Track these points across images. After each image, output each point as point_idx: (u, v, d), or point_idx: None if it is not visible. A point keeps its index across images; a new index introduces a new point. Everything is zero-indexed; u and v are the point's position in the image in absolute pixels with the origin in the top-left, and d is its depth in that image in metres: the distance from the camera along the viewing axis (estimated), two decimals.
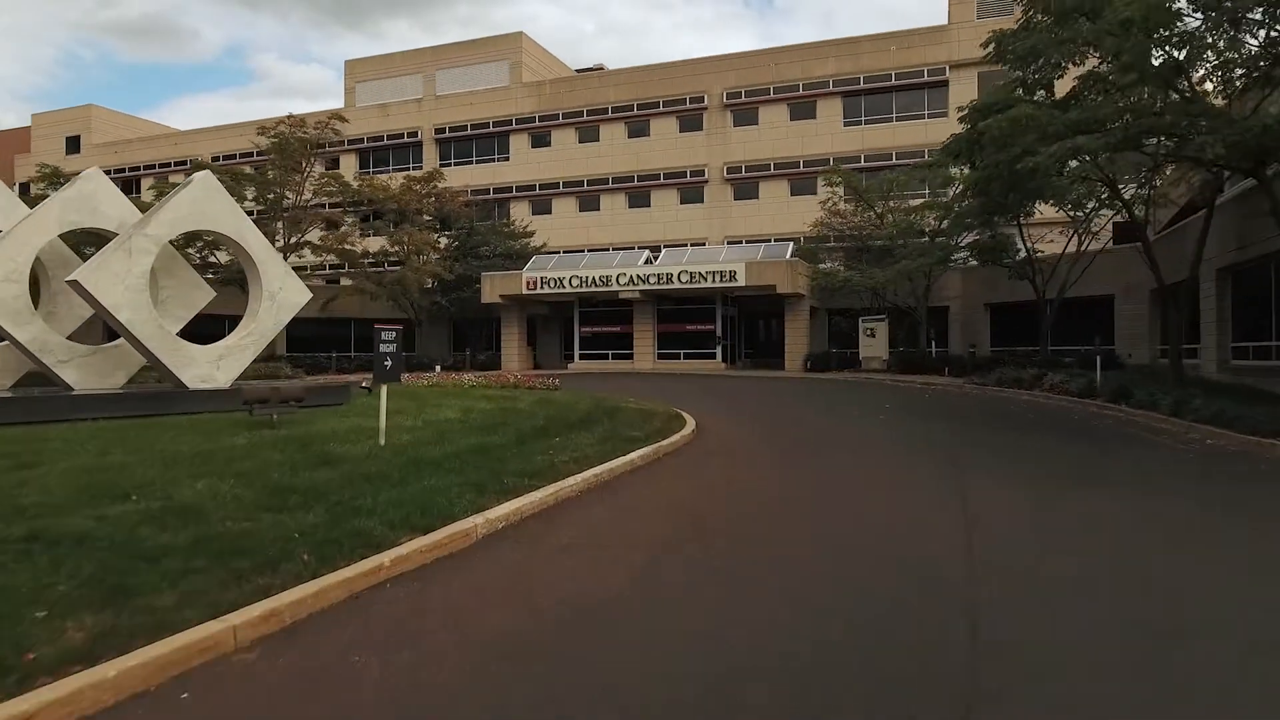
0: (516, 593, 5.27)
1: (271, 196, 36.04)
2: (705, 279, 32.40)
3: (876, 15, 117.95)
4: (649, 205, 43.68)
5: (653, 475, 9.62)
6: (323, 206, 39.49)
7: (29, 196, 32.38)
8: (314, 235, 37.61)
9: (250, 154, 43.53)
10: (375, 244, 39.33)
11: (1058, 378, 20.27)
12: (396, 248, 38.35)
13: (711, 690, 3.82)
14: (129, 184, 51.21)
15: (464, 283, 37.93)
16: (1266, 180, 13.92)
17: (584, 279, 34.17)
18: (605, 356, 36.68)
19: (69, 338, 14.60)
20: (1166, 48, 13.47)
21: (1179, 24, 12.83)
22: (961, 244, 29.07)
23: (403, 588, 5.32)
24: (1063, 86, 16.14)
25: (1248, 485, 9.08)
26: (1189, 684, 3.91)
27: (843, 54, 40.23)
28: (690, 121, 42.89)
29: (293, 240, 36.36)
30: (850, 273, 32.02)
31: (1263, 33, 13.62)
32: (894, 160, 36.97)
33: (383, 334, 9.60)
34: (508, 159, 46.32)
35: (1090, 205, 24.58)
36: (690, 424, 13.52)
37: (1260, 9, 12.65)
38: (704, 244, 40.09)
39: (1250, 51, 13.89)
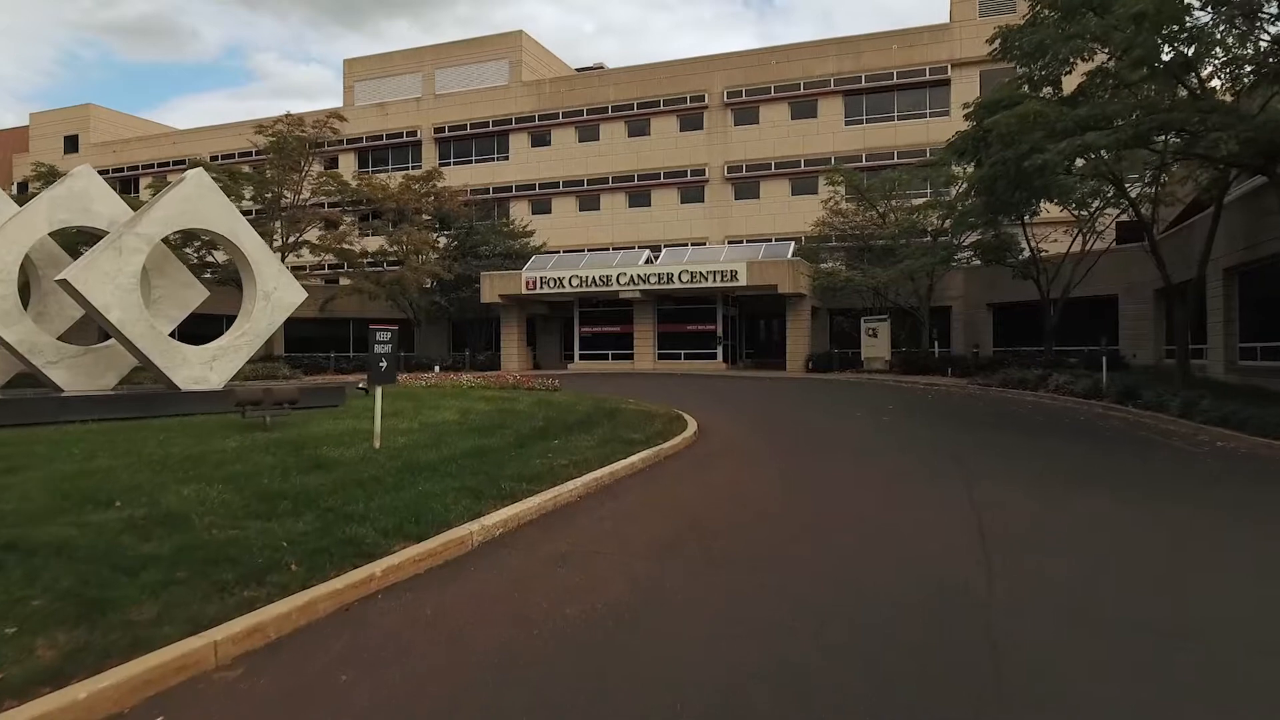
0: (513, 604, 5.05)
1: (269, 196, 35.85)
2: (706, 279, 32.19)
3: (875, 15, 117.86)
4: (649, 205, 43.49)
5: (654, 479, 9.42)
6: (321, 206, 39.30)
7: (26, 196, 32.15)
8: (312, 235, 37.42)
9: (249, 153, 43.33)
10: (374, 244, 39.16)
11: (1063, 378, 20.05)
12: (395, 247, 38.18)
13: (717, 710, 3.63)
14: (127, 183, 51.03)
15: (463, 283, 37.73)
16: (1278, 177, 13.71)
17: (584, 279, 33.96)
18: (605, 357, 36.47)
19: (64, 338, 14.39)
20: (1175, 43, 13.29)
21: (1189, 18, 12.63)
22: (964, 243, 28.88)
23: (395, 599, 5.11)
24: (1069, 83, 15.94)
25: (1266, 488, 8.88)
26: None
27: (844, 52, 40.03)
28: (691, 120, 42.69)
29: (291, 240, 36.15)
30: (852, 272, 31.82)
31: (1274, 28, 13.42)
32: (895, 159, 36.79)
33: (378, 334, 9.38)
34: (507, 158, 46.12)
35: (1095, 204, 24.38)
36: (692, 426, 13.31)
37: (1276, 3, 12.45)
38: (705, 244, 39.88)
39: (1260, 48, 13.70)
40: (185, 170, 15.28)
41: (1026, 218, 24.40)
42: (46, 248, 14.54)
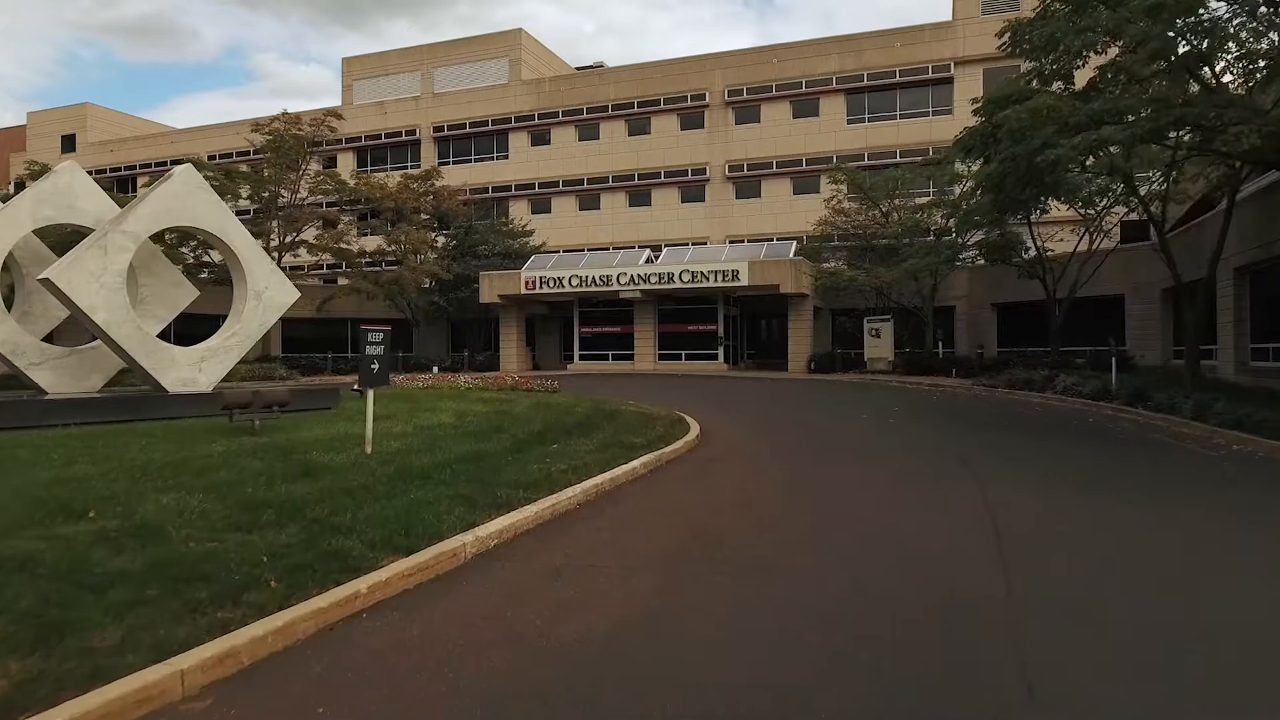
0: (507, 623, 4.74)
1: (267, 195, 35.53)
2: (707, 278, 31.86)
3: (875, 15, 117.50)
4: (650, 204, 43.17)
5: (655, 484, 9.14)
6: (319, 205, 38.99)
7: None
8: (310, 234, 37.10)
9: (247, 153, 43.01)
10: (372, 243, 38.86)
11: (1070, 379, 19.74)
12: (394, 247, 37.87)
13: None
14: (125, 183, 50.76)
15: (462, 282, 37.41)
16: None
17: (584, 278, 33.63)
18: (605, 357, 36.14)
19: (55, 339, 14.05)
20: (1188, 37, 13.00)
21: (1204, 10, 12.32)
22: (969, 242, 28.56)
23: (381, 618, 4.80)
24: (1078, 79, 15.63)
25: None
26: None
27: (846, 51, 39.72)
28: (691, 119, 42.37)
29: (288, 239, 35.84)
30: (855, 272, 31.48)
31: None
32: (898, 158, 36.50)
33: (370, 335, 9.05)
34: (507, 157, 45.80)
35: (1103, 202, 24.05)
36: (694, 429, 13.02)
37: None
38: (705, 243, 39.55)
39: (1275, 41, 13.39)
40: None
41: (1034, 216, 24.07)
42: (31, 246, 14.19)
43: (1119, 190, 21.68)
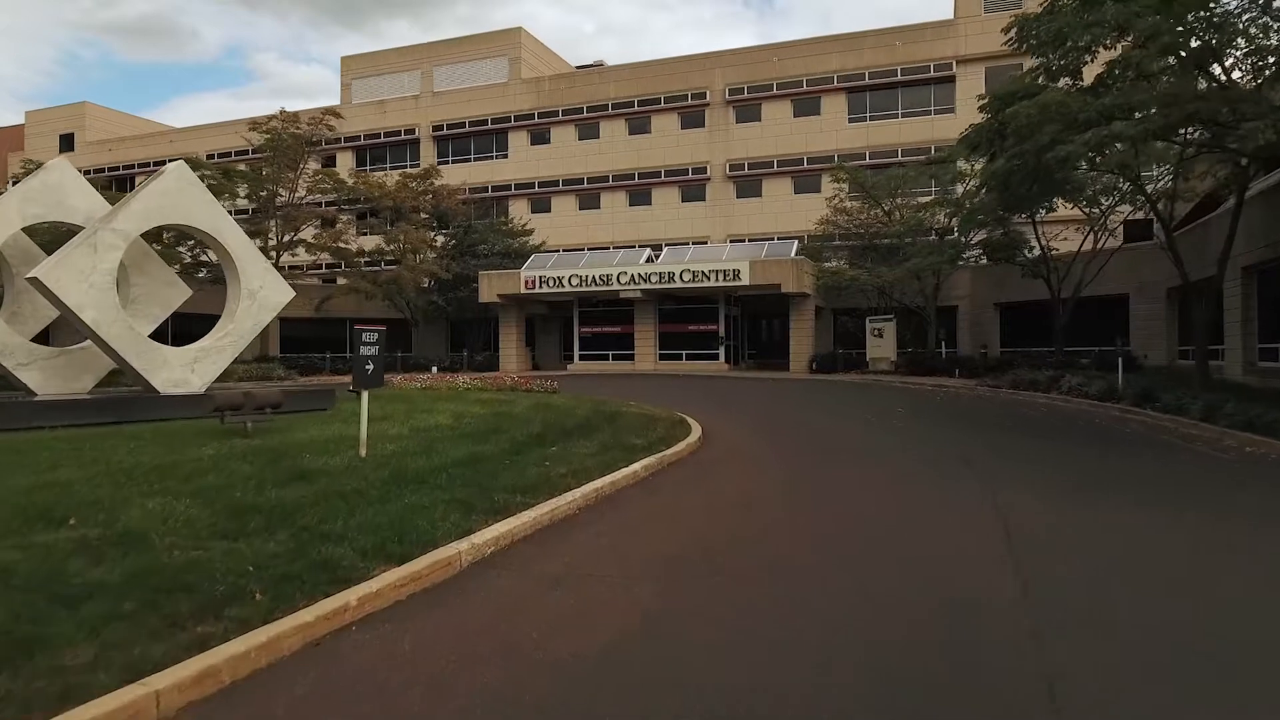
0: (503, 636, 4.51)
1: (265, 194, 35.30)
2: (708, 278, 31.64)
3: (875, 15, 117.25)
4: (650, 203, 42.95)
5: (656, 488, 8.93)
6: (318, 204, 38.75)
7: None
8: (308, 233, 36.87)
9: (245, 152, 42.79)
10: (371, 242, 38.66)
11: (1076, 380, 19.52)
12: (392, 246, 37.67)
13: None
14: (123, 182, 50.49)
15: (461, 282, 37.20)
16: None
17: (584, 278, 33.41)
18: (605, 357, 35.92)
19: (49, 339, 13.80)
20: (1197, 31, 12.80)
21: (1214, 3, 12.11)
22: (972, 242, 28.34)
23: (371, 631, 4.57)
24: (1086, 74, 15.40)
25: None
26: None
27: (847, 49, 39.51)
28: (692, 118, 42.15)
29: (286, 238, 35.61)
30: (857, 271, 31.26)
31: None
32: (899, 157, 36.28)
33: (364, 335, 8.83)
34: (506, 156, 45.57)
35: (1108, 201, 23.83)
36: (695, 430, 12.80)
37: None
38: (706, 242, 39.34)
39: None
40: None
41: (1040, 214, 23.84)
42: (20, 244, 13.95)
43: (1126, 188, 21.43)
